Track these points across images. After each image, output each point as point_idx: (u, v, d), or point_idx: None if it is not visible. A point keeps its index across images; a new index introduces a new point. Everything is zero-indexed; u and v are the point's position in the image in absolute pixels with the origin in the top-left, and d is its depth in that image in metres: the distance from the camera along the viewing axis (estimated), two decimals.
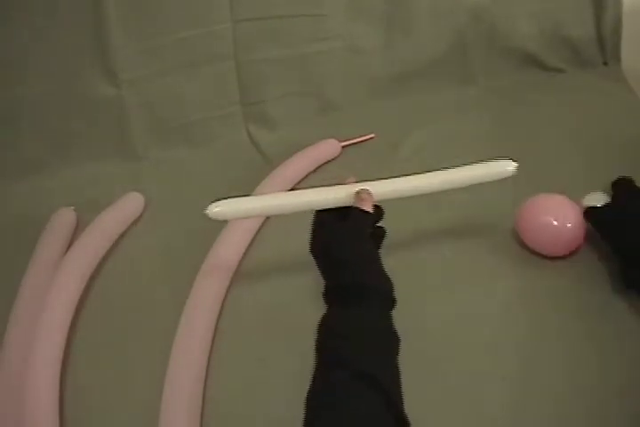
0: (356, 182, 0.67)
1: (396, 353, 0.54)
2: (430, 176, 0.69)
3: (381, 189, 0.67)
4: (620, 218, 0.69)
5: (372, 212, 0.63)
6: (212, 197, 0.96)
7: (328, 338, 0.54)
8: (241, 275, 0.83)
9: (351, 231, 0.61)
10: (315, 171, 1.02)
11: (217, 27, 0.97)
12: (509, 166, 0.69)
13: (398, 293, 0.71)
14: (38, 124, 0.97)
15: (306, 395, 0.50)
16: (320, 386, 0.50)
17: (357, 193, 0.64)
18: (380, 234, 0.66)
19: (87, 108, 0.98)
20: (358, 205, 0.63)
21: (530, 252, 0.79)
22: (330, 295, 0.59)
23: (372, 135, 1.08)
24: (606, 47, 1.19)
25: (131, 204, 0.95)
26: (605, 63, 1.20)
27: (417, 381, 0.65)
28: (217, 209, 0.65)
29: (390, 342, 0.55)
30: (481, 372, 0.67)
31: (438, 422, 0.62)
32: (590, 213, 0.73)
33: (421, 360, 0.68)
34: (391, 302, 0.58)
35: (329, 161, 1.04)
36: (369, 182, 0.67)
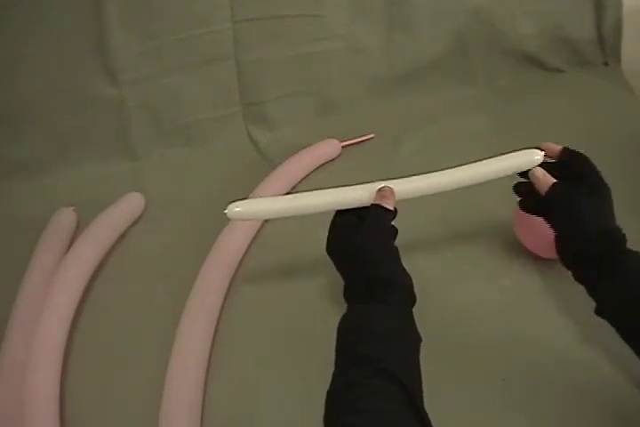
0: (380, 180, 0.65)
1: (418, 351, 0.54)
2: (453, 172, 0.66)
3: (405, 186, 0.65)
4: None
5: (393, 209, 0.63)
6: (212, 197, 0.97)
7: (349, 336, 0.54)
8: (241, 275, 0.83)
9: (375, 229, 0.60)
10: (315, 171, 1.02)
11: (217, 27, 0.97)
12: (536, 155, 0.64)
13: None
14: (38, 125, 0.97)
15: (326, 394, 0.50)
16: (340, 384, 0.50)
17: (379, 190, 0.63)
18: (394, 233, 0.65)
19: (87, 109, 0.98)
20: (379, 202, 0.62)
21: (528, 253, 0.79)
22: (352, 293, 0.58)
23: (372, 135, 1.08)
24: (606, 47, 1.19)
25: (131, 204, 0.95)
26: (606, 63, 1.20)
27: None
28: (237, 209, 0.63)
29: (412, 339, 0.55)
30: (481, 373, 0.67)
31: (436, 423, 0.62)
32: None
33: (420, 360, 0.68)
34: (413, 298, 0.58)
35: (329, 161, 1.05)
36: (392, 181, 0.65)
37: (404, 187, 0.65)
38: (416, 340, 0.55)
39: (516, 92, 1.15)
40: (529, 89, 1.16)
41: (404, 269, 0.59)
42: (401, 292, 0.57)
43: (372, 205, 0.62)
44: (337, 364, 0.53)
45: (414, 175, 0.66)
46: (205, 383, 0.69)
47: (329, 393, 0.50)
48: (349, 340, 0.54)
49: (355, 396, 0.48)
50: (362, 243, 0.59)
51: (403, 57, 1.12)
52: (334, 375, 0.51)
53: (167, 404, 0.65)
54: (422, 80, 1.15)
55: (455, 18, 1.11)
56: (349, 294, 0.59)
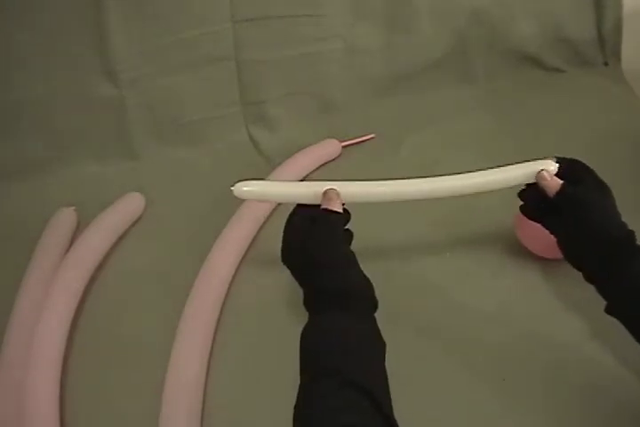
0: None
1: (383, 358, 0.53)
2: (463, 178, 0.65)
3: (429, 186, 0.65)
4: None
5: (341, 212, 0.61)
6: (212, 197, 0.97)
7: (312, 348, 0.53)
8: (241, 275, 0.83)
9: (328, 236, 0.59)
10: (315, 171, 1.02)
11: (217, 27, 0.97)
12: (551, 166, 0.62)
13: (399, 293, 0.71)
14: (38, 124, 0.97)
15: (293, 409, 0.49)
16: (308, 398, 0.49)
17: (324, 193, 0.61)
18: (348, 237, 0.63)
19: (87, 108, 0.98)
20: (326, 206, 0.60)
21: (529, 253, 0.79)
22: (311, 302, 0.57)
23: (373, 135, 1.09)
24: (606, 47, 1.19)
25: (131, 204, 0.95)
26: (606, 63, 1.21)
27: (416, 380, 0.65)
28: (246, 189, 0.63)
29: (376, 346, 0.54)
30: (481, 372, 0.67)
31: (437, 423, 0.62)
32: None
33: (421, 360, 0.68)
34: (374, 304, 0.57)
35: (329, 161, 1.05)
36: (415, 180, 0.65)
37: (435, 186, 0.65)
38: (381, 346, 0.54)
39: (516, 92, 1.16)
40: (529, 89, 1.16)
41: (363, 273, 0.58)
42: (361, 299, 0.56)
43: (320, 210, 0.60)
44: (302, 375, 0.51)
45: (443, 175, 0.66)
46: (205, 383, 0.69)
47: (296, 409, 0.48)
48: (315, 351, 0.52)
49: (324, 409, 0.47)
50: (315, 253, 0.57)
51: (403, 57, 1.12)
52: (301, 387, 0.50)
53: (167, 404, 0.65)
54: (422, 80, 1.15)
55: (455, 18, 1.11)
56: (310, 303, 0.57)
